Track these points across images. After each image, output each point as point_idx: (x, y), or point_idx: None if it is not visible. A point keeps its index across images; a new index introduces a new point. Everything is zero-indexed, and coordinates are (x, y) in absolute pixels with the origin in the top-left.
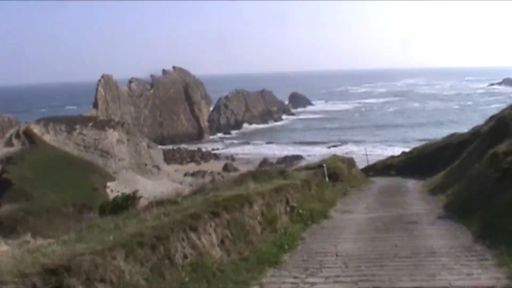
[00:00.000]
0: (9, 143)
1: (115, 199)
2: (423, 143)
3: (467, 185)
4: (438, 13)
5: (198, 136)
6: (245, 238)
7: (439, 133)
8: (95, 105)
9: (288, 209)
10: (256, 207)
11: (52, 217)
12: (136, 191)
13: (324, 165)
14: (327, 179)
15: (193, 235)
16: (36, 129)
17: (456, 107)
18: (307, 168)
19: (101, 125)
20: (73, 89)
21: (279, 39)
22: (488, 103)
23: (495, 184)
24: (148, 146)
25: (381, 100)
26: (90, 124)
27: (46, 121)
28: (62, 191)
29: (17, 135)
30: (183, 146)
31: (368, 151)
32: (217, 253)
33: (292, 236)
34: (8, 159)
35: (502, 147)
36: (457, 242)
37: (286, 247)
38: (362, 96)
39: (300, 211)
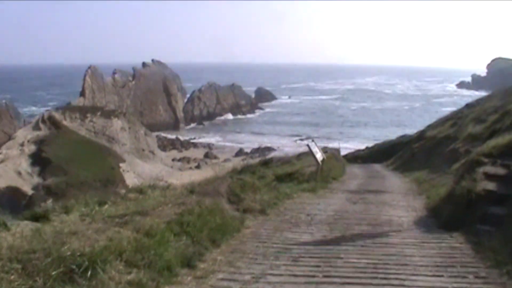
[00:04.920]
0: (37, 127)
1: None
2: (382, 140)
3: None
4: (399, 12)
5: (175, 126)
6: None
7: (396, 132)
8: (83, 94)
9: None
10: None
11: (87, 189)
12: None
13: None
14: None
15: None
16: (57, 116)
17: (416, 105)
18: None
19: (108, 114)
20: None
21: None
22: (443, 105)
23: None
24: (145, 134)
25: (343, 96)
26: (99, 113)
27: (63, 109)
28: (88, 168)
29: (43, 121)
30: (162, 134)
31: (336, 145)
32: None
33: None
34: (42, 141)
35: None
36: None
37: None
38: (324, 93)
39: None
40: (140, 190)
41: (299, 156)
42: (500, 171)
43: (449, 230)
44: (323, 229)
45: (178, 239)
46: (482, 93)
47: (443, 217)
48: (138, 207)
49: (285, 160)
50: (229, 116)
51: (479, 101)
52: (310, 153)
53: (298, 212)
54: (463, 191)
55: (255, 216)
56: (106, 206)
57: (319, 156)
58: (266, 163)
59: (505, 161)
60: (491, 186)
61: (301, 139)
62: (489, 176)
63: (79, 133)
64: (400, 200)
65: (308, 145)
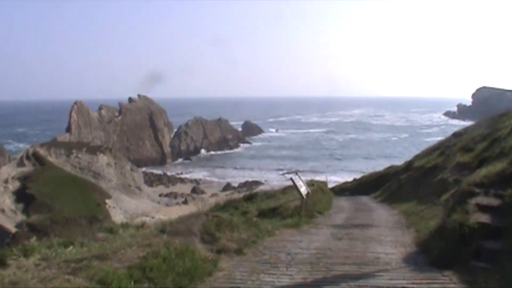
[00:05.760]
0: (21, 164)
1: None
2: (369, 172)
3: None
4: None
5: (161, 161)
6: None
7: (384, 164)
8: (68, 130)
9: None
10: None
11: (71, 226)
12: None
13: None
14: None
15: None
16: (42, 152)
17: (404, 136)
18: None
19: (94, 149)
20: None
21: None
22: (430, 135)
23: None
24: (131, 169)
25: (330, 129)
26: (84, 149)
27: (48, 145)
28: (73, 205)
29: (27, 157)
30: (149, 170)
31: (323, 178)
32: None
33: None
34: (26, 177)
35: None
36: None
37: None
38: (311, 126)
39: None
40: (110, 230)
41: (285, 190)
42: (494, 201)
43: (440, 268)
44: (303, 270)
45: (139, 286)
46: (468, 122)
47: (434, 253)
48: (101, 249)
49: (270, 194)
50: (216, 151)
51: (466, 130)
52: (294, 186)
53: (278, 251)
54: (454, 225)
55: (231, 257)
56: (71, 247)
57: (303, 189)
58: (250, 198)
59: (498, 190)
60: (484, 218)
61: (287, 173)
62: (482, 208)
63: (64, 169)
64: (388, 235)
65: (292, 179)
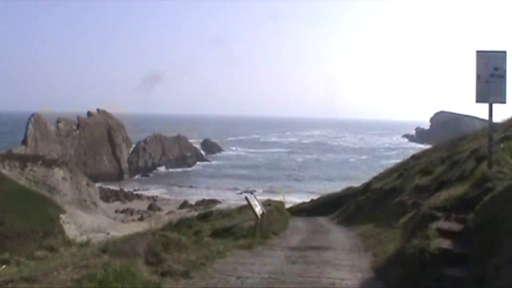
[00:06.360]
0: None
1: None
2: (327, 193)
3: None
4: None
5: (119, 177)
6: None
7: (343, 185)
8: (24, 142)
9: None
10: None
11: (23, 241)
12: None
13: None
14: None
15: None
16: None
17: (363, 158)
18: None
19: (49, 163)
20: None
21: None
22: (389, 158)
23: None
24: (87, 184)
25: (289, 150)
26: (40, 162)
27: (2, 157)
28: (26, 219)
29: None
30: (106, 185)
31: (280, 198)
32: None
33: None
34: None
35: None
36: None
37: None
38: (270, 146)
39: None
40: (51, 248)
41: (241, 209)
42: (455, 226)
43: None
44: None
45: None
46: (426, 146)
47: (392, 280)
48: (34, 270)
49: (226, 213)
50: (175, 168)
51: (424, 153)
52: (249, 206)
53: (227, 275)
54: (415, 251)
55: (177, 280)
56: (4, 266)
57: (258, 209)
58: (205, 216)
59: (460, 215)
60: (446, 244)
61: (242, 192)
62: (443, 233)
63: (19, 182)
64: (344, 259)
65: (246, 198)
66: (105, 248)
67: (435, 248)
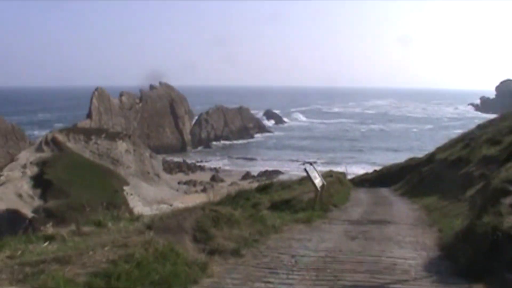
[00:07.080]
0: (40, 149)
1: None
2: (390, 164)
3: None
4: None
5: (181, 149)
6: None
7: (407, 155)
8: (89, 116)
9: None
10: None
11: (89, 212)
12: None
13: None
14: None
15: None
16: (60, 138)
17: (427, 127)
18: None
19: (112, 136)
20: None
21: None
22: (454, 127)
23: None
24: (150, 156)
25: (352, 121)
26: (103, 135)
27: (67, 131)
28: (91, 191)
29: (46, 142)
30: (169, 157)
31: (342, 169)
32: None
33: None
34: (44, 163)
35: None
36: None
37: None
38: (333, 116)
39: None
40: (99, 223)
41: (302, 180)
42: None
43: (469, 280)
44: (307, 279)
45: None
46: (491, 115)
47: (460, 261)
48: (72, 249)
49: (286, 185)
50: (237, 139)
51: (491, 122)
52: (308, 178)
53: (281, 253)
54: (486, 229)
55: (226, 259)
56: (46, 244)
57: (318, 181)
58: (264, 188)
59: None
60: None
61: (303, 163)
62: None
63: (83, 155)
64: (407, 235)
65: (305, 169)
66: (150, 224)
67: (509, 226)
